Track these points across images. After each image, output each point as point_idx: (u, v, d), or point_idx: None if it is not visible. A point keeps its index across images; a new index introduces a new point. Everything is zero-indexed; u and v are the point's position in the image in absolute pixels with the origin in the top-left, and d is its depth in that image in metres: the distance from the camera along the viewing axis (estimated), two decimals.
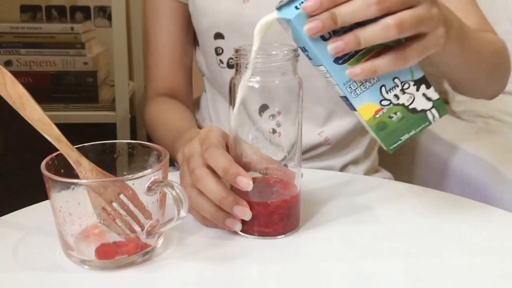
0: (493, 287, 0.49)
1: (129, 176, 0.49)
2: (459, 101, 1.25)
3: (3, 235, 0.57)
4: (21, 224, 0.59)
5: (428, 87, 0.54)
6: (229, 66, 0.85)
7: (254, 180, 0.53)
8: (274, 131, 0.54)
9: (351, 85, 0.52)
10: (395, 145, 0.55)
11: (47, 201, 0.51)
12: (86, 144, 0.54)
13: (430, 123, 0.55)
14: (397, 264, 0.52)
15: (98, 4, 1.87)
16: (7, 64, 1.60)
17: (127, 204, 0.50)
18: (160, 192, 0.50)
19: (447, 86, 1.18)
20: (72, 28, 1.63)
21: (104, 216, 0.49)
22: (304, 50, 0.52)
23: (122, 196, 0.49)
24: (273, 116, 0.54)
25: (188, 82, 0.94)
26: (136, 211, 0.50)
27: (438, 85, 1.00)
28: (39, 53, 1.63)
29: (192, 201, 0.55)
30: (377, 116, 0.53)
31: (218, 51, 0.85)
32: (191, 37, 0.92)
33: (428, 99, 0.54)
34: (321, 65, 0.51)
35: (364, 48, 0.51)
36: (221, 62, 0.85)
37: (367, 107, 0.53)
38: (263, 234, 0.56)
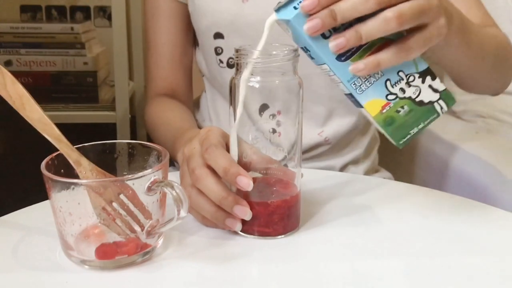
0: (493, 287, 0.49)
1: (129, 176, 0.49)
2: (459, 101, 1.24)
3: (3, 235, 0.57)
4: (21, 224, 0.59)
5: (433, 78, 0.54)
6: (229, 65, 0.85)
7: (254, 180, 0.53)
8: (274, 131, 0.54)
9: (355, 82, 0.52)
10: (405, 139, 0.54)
11: (47, 201, 0.51)
12: (86, 144, 0.54)
13: (438, 114, 0.54)
14: (397, 264, 0.52)
15: (98, 4, 1.87)
16: (7, 64, 1.60)
17: (127, 204, 0.50)
18: (160, 192, 0.50)
19: (447, 85, 1.18)
20: (72, 28, 1.63)
21: (104, 216, 0.49)
22: (305, 50, 0.52)
23: (122, 196, 0.49)
24: (273, 115, 0.54)
25: (188, 82, 0.94)
26: (136, 211, 0.50)
27: None
28: (39, 53, 1.63)
29: (192, 201, 0.55)
30: (384, 111, 0.53)
31: (218, 51, 0.85)
32: (191, 37, 0.92)
33: (435, 90, 0.54)
34: (324, 63, 0.51)
35: (366, 44, 0.51)
36: (221, 62, 0.86)
37: (373, 102, 0.53)
38: (263, 234, 0.56)
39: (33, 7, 1.85)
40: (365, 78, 0.52)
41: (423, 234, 0.58)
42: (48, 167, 0.50)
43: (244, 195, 0.54)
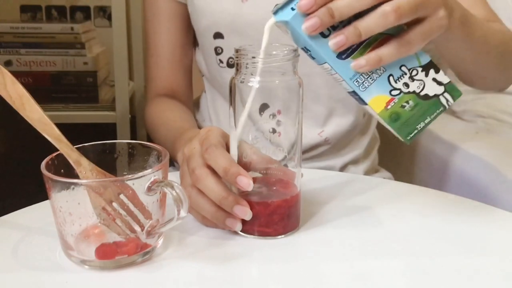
0: (493, 287, 0.49)
1: (129, 176, 0.49)
2: (459, 101, 1.24)
3: (3, 235, 0.57)
4: (21, 224, 0.59)
5: (437, 71, 0.53)
6: (229, 65, 0.85)
7: (254, 180, 0.53)
8: (274, 131, 0.54)
9: (358, 79, 0.51)
10: (412, 134, 0.54)
11: (47, 201, 0.51)
12: (86, 144, 0.54)
13: (444, 108, 0.54)
14: (397, 264, 0.52)
15: (98, 4, 1.87)
16: (7, 64, 1.60)
17: (127, 204, 0.50)
18: (160, 192, 0.50)
19: None
20: (72, 28, 1.63)
21: (104, 216, 0.49)
22: (306, 50, 0.52)
23: (122, 196, 0.49)
24: (273, 115, 0.54)
25: (188, 82, 0.94)
26: (136, 211, 0.50)
27: None
28: (39, 53, 1.63)
29: (192, 201, 0.55)
30: (389, 107, 0.52)
31: (218, 51, 0.85)
32: (190, 38, 0.92)
33: (439, 83, 0.53)
34: (325, 62, 0.51)
35: (366, 40, 0.50)
36: (221, 61, 0.86)
37: (377, 99, 0.52)
38: (263, 234, 0.56)
39: (33, 7, 1.86)
40: (368, 74, 0.51)
41: (423, 234, 0.58)
42: (48, 167, 0.50)
43: (244, 195, 0.54)
